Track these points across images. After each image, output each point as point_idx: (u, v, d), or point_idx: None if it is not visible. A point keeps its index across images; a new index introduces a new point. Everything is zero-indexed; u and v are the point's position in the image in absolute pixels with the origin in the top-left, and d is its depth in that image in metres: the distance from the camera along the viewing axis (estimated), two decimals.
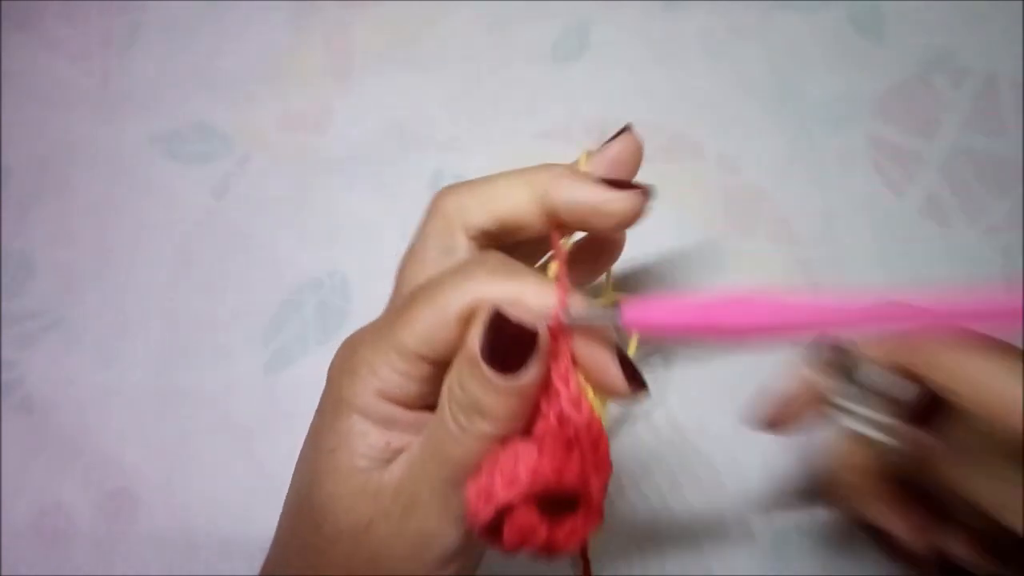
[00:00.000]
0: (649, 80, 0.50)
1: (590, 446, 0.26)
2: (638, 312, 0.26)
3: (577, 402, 0.26)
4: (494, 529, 0.25)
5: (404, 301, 0.28)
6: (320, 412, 0.30)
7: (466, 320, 0.26)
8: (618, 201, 0.30)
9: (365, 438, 0.28)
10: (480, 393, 0.25)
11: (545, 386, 0.26)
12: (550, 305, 0.26)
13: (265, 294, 0.48)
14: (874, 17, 0.49)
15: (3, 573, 0.44)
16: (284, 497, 0.32)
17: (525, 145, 0.49)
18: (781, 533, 0.41)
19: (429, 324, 0.27)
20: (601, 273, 0.37)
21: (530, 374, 0.25)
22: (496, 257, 0.28)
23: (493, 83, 0.51)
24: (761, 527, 0.41)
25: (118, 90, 0.54)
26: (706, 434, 0.43)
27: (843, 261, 0.45)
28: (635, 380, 0.27)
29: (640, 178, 0.48)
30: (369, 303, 0.47)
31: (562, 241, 0.30)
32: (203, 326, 0.48)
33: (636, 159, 0.33)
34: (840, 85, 0.48)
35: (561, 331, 0.26)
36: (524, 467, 0.25)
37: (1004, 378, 0.27)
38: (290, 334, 0.47)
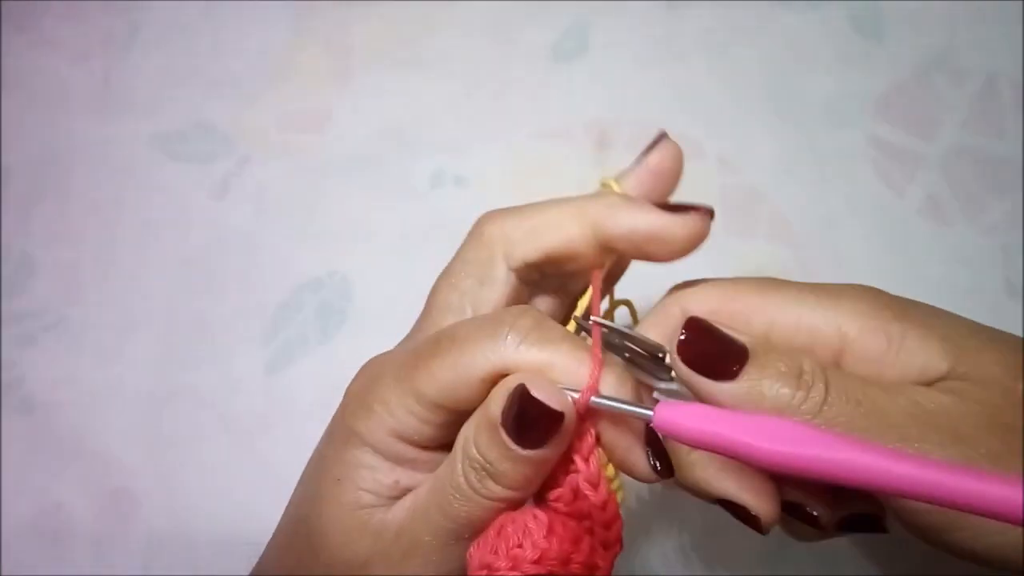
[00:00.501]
0: (649, 80, 0.50)
1: (602, 526, 0.26)
2: (671, 415, 0.24)
3: (595, 482, 0.26)
4: None
5: (429, 345, 0.27)
6: (330, 436, 0.29)
7: (490, 382, 0.26)
8: (681, 227, 0.28)
9: (373, 473, 0.27)
10: (495, 458, 0.25)
11: (565, 457, 0.26)
12: (580, 382, 0.25)
13: (265, 294, 0.48)
14: (874, 17, 0.49)
15: (3, 573, 0.44)
16: (287, 500, 0.32)
17: (525, 145, 0.49)
18: (781, 533, 0.41)
19: (451, 380, 0.26)
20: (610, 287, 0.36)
21: (550, 451, 0.25)
22: (530, 317, 0.26)
23: (493, 83, 0.51)
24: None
25: (118, 90, 0.54)
26: None
27: (843, 261, 0.45)
28: (663, 465, 0.26)
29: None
30: (369, 303, 0.47)
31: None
32: (203, 326, 0.48)
33: (678, 167, 0.31)
34: (840, 85, 0.48)
35: (588, 413, 0.25)
36: (530, 547, 0.24)
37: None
38: (290, 334, 0.47)
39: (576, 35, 0.52)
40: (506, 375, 0.25)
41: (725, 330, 0.26)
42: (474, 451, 0.25)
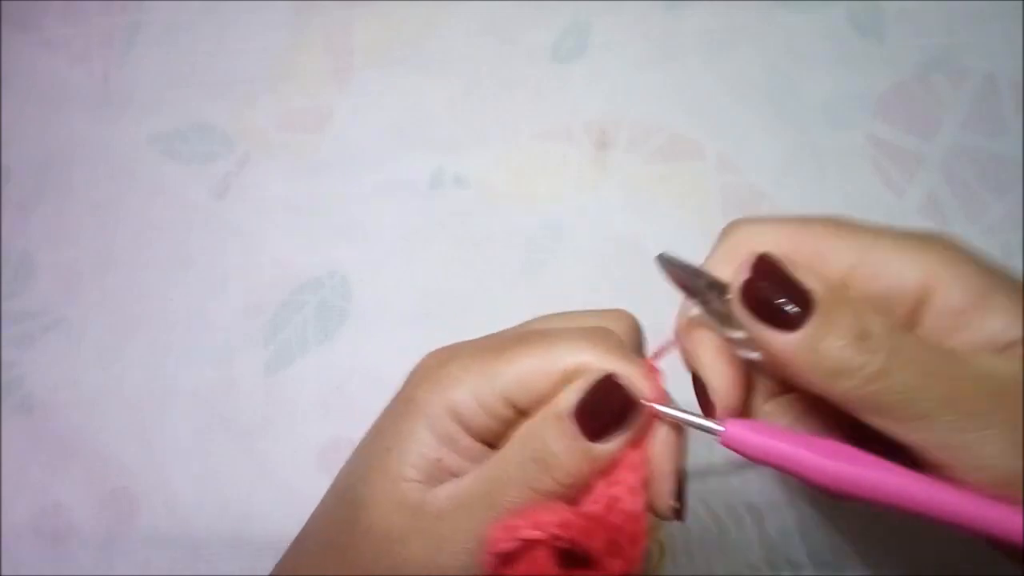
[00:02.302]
0: (649, 80, 0.50)
1: (628, 539, 0.26)
2: (740, 432, 0.25)
3: (636, 492, 0.26)
4: (507, 563, 0.25)
5: (516, 336, 0.28)
6: (388, 409, 0.30)
7: (568, 378, 0.26)
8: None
9: (420, 447, 0.28)
10: (557, 449, 0.26)
11: (610, 468, 0.26)
12: (653, 395, 0.26)
13: (265, 294, 0.48)
14: (874, 17, 0.49)
15: (3, 573, 0.44)
16: (287, 500, 0.32)
17: (525, 145, 0.49)
18: (781, 533, 0.41)
19: (532, 369, 0.27)
20: None
21: (614, 444, 0.26)
22: (616, 336, 0.28)
23: (493, 83, 0.51)
24: (761, 525, 0.41)
25: (118, 90, 0.54)
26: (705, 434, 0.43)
27: None
28: (679, 503, 0.27)
29: (640, 178, 0.48)
30: (369, 303, 0.47)
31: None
32: (203, 326, 0.48)
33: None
34: (840, 85, 0.48)
35: (652, 422, 0.26)
36: (555, 517, 0.25)
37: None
38: (290, 334, 0.47)
39: (576, 35, 0.52)
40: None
41: (795, 273, 0.24)
42: (535, 441, 0.26)
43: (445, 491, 0.28)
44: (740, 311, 0.24)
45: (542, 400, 0.27)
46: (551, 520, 0.25)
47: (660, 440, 0.27)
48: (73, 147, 0.53)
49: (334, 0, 0.54)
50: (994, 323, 0.25)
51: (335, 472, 0.32)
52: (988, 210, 0.45)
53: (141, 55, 0.55)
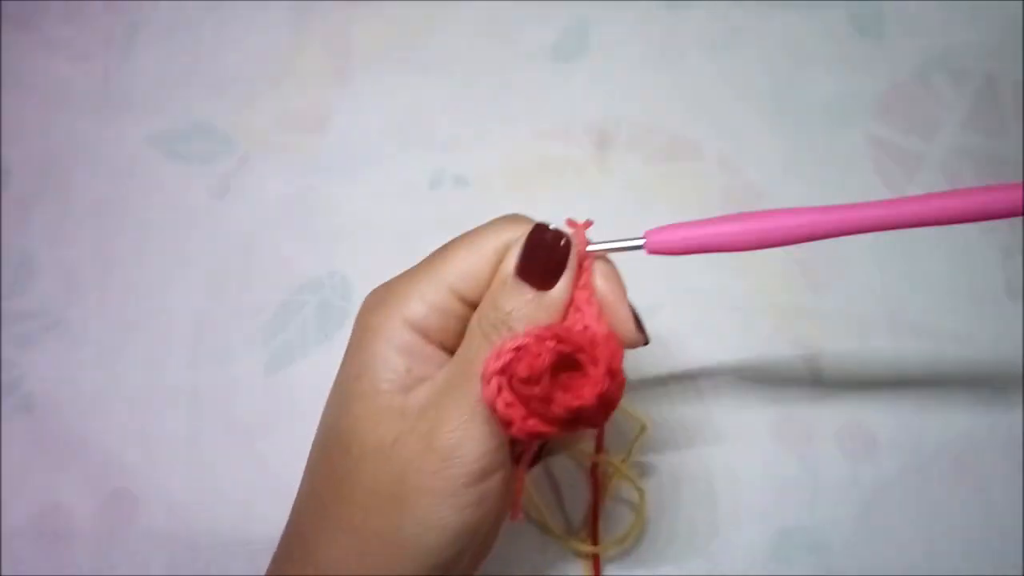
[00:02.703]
0: (649, 80, 0.50)
1: (607, 354, 0.28)
2: (659, 237, 0.30)
3: (598, 318, 0.29)
4: (506, 383, 0.27)
5: (441, 247, 0.31)
6: (348, 347, 0.31)
7: (500, 256, 0.30)
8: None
9: (387, 363, 0.29)
10: (511, 307, 0.28)
11: (566, 313, 0.29)
12: (577, 236, 0.29)
13: (265, 294, 0.48)
14: (874, 17, 0.49)
15: (3, 573, 0.44)
16: (287, 500, 0.32)
17: (525, 145, 0.49)
18: (781, 533, 0.41)
19: (466, 258, 0.30)
20: None
21: (561, 287, 0.29)
22: (527, 216, 0.31)
23: (493, 83, 0.51)
24: (761, 526, 0.41)
25: (118, 90, 0.54)
26: (706, 435, 0.43)
27: (843, 261, 0.45)
28: (640, 326, 0.30)
29: (640, 178, 0.48)
30: None
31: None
32: (203, 326, 0.48)
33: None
34: (840, 85, 0.48)
35: (585, 260, 0.29)
36: (536, 328, 0.28)
37: None
38: (290, 334, 0.47)
39: (576, 35, 0.52)
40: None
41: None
42: (491, 311, 0.28)
43: (422, 389, 0.29)
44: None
45: (485, 285, 0.30)
46: (532, 328, 0.28)
47: (600, 275, 0.30)
48: (73, 147, 0.53)
49: (334, 0, 0.54)
50: None
51: None
52: None
53: (141, 55, 0.55)
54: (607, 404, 0.28)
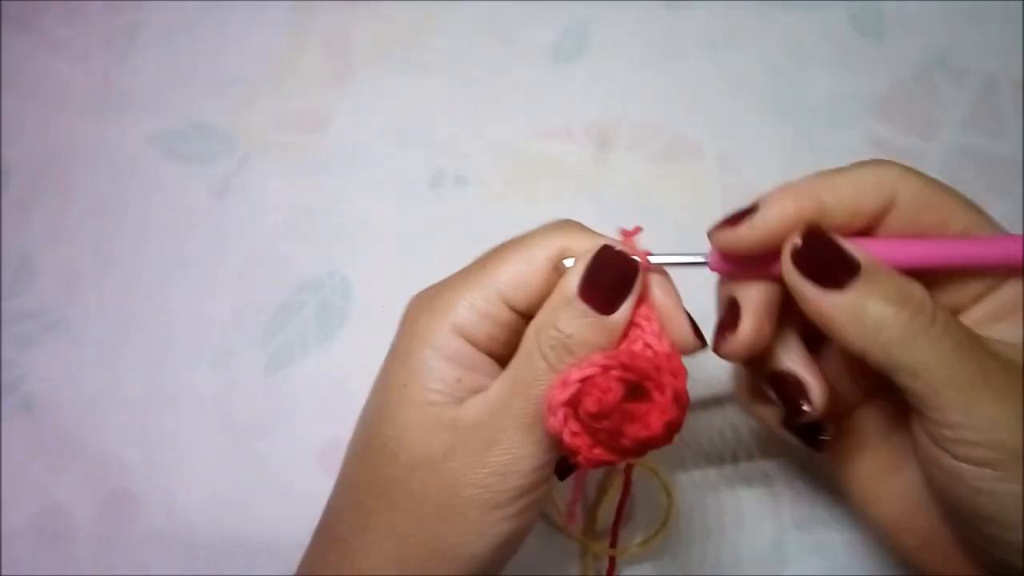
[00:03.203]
0: (649, 80, 0.50)
1: (671, 374, 0.27)
2: (723, 258, 0.29)
3: (659, 335, 0.28)
4: (572, 413, 0.27)
5: (490, 253, 0.30)
6: (392, 351, 0.31)
7: (554, 266, 0.29)
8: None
9: (436, 372, 0.29)
10: (572, 330, 0.27)
11: (626, 331, 0.28)
12: (641, 253, 0.29)
13: (265, 294, 0.48)
14: (874, 17, 0.49)
15: (3, 573, 0.44)
16: (287, 499, 0.32)
17: (525, 145, 0.49)
18: (783, 533, 0.41)
19: (517, 266, 0.29)
20: None
21: (624, 310, 0.28)
22: (576, 222, 0.31)
23: (493, 83, 0.51)
24: (761, 527, 0.41)
25: (118, 90, 0.54)
26: (706, 434, 0.43)
27: None
28: (698, 332, 0.29)
29: (640, 178, 0.48)
30: (369, 303, 0.47)
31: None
32: (203, 326, 0.48)
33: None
34: (840, 85, 0.48)
35: (646, 273, 0.29)
36: (600, 355, 0.27)
37: None
38: (290, 334, 0.47)
39: (576, 35, 0.52)
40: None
41: (843, 243, 0.27)
42: (551, 331, 0.28)
43: (474, 404, 0.29)
44: (791, 273, 0.27)
45: (536, 294, 0.29)
46: (598, 358, 0.27)
47: (657, 287, 0.29)
48: (73, 147, 0.53)
49: (334, 0, 0.54)
50: (953, 220, 0.29)
51: (335, 472, 0.32)
52: (988, 210, 0.45)
53: (141, 55, 0.55)
54: (674, 430, 0.27)
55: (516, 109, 0.50)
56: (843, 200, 0.28)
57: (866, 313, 0.26)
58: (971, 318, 0.29)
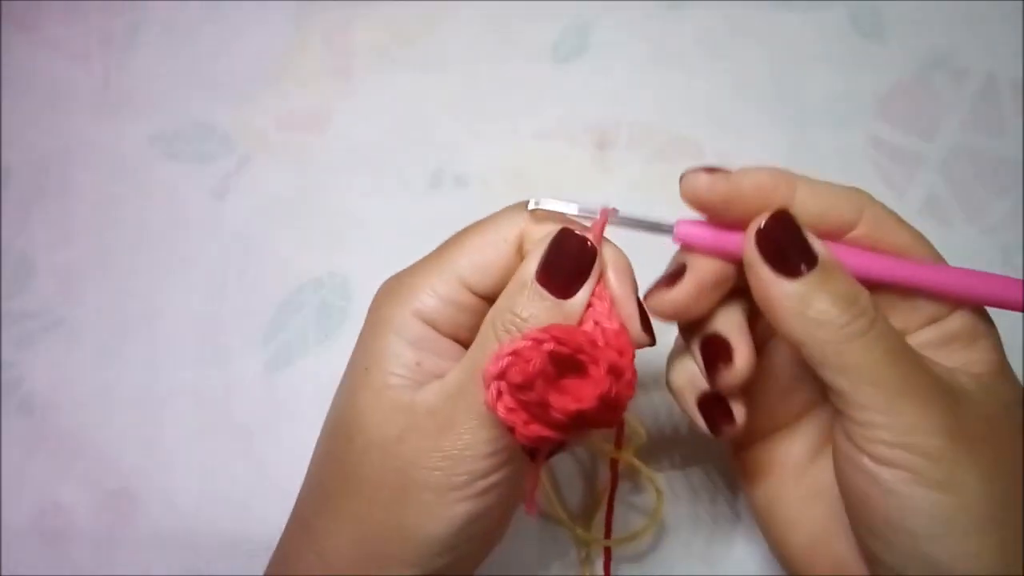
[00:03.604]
0: (649, 80, 0.50)
1: (616, 351, 0.27)
2: (689, 228, 0.29)
3: (609, 313, 0.28)
4: (506, 388, 0.27)
5: (453, 237, 0.31)
6: (359, 338, 0.31)
7: (517, 247, 0.29)
8: None
9: (398, 358, 0.29)
10: (530, 314, 0.28)
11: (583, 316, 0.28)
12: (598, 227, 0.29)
13: (265, 294, 0.48)
14: (874, 17, 0.49)
15: (3, 573, 0.44)
16: (287, 499, 0.32)
17: (525, 145, 0.49)
18: None
19: (478, 250, 0.30)
20: None
21: (582, 295, 0.28)
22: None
23: (493, 83, 0.51)
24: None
25: (118, 90, 0.54)
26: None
27: None
28: (648, 327, 0.29)
29: (640, 178, 0.48)
30: (369, 303, 0.47)
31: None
32: (203, 326, 0.48)
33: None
34: (840, 85, 0.48)
35: (602, 256, 0.29)
36: (537, 330, 0.27)
37: None
38: (290, 334, 0.47)
39: (576, 35, 0.52)
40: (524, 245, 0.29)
41: (807, 234, 0.28)
42: (508, 314, 0.28)
43: (431, 389, 0.29)
44: (751, 251, 0.28)
45: (498, 277, 0.29)
46: (531, 331, 0.27)
47: (611, 268, 0.29)
48: (73, 147, 0.53)
49: (334, 0, 0.54)
50: (909, 251, 0.29)
51: None
52: (988, 210, 0.45)
53: (141, 55, 0.55)
54: (612, 405, 0.27)
55: (516, 109, 0.50)
56: (816, 200, 0.29)
57: (811, 307, 0.27)
58: (916, 340, 0.29)
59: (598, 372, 0.27)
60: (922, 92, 0.48)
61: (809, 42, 0.50)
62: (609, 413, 0.28)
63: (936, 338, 0.29)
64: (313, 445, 0.33)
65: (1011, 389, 0.29)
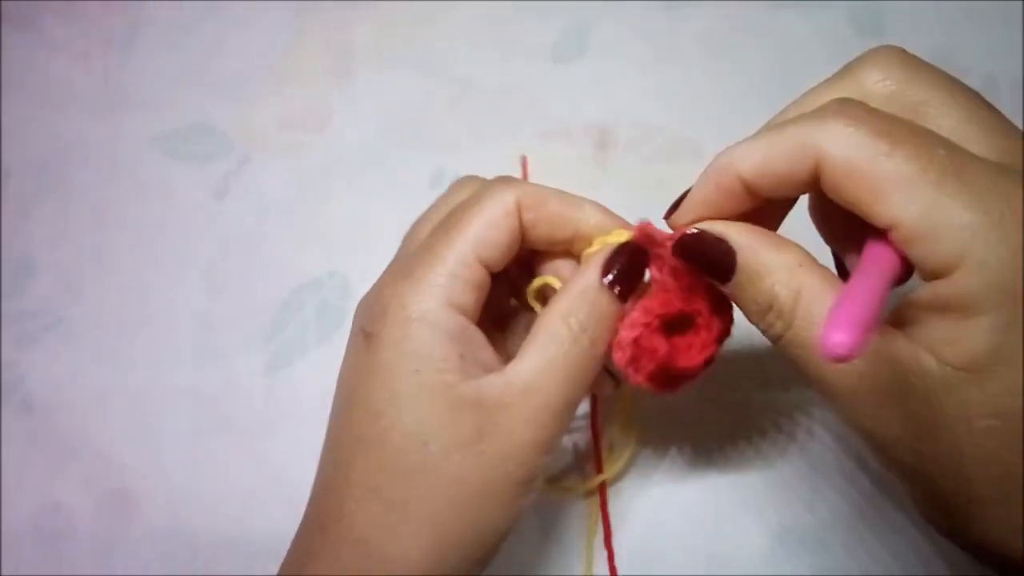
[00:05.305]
0: (649, 80, 0.50)
1: (719, 300, 0.31)
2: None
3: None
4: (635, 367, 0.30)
5: (445, 223, 0.31)
6: (383, 339, 0.30)
7: (516, 219, 0.30)
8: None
9: (443, 353, 0.29)
10: (603, 315, 0.30)
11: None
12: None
13: (265, 294, 0.48)
14: (874, 17, 0.49)
15: (3, 573, 0.44)
16: (286, 500, 0.32)
17: (525, 145, 0.49)
18: (782, 533, 0.41)
19: (485, 229, 0.30)
20: None
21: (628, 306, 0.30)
22: (514, 177, 0.32)
23: (493, 83, 0.51)
24: (761, 527, 0.41)
25: (118, 90, 0.54)
26: (707, 435, 0.43)
27: None
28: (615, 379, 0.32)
29: (640, 180, 0.48)
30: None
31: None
32: (203, 326, 0.48)
33: None
34: None
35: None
36: (654, 305, 0.30)
37: None
38: (290, 334, 0.47)
39: (576, 35, 0.52)
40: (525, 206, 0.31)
41: (720, 248, 0.29)
42: (581, 313, 0.30)
43: (494, 384, 0.29)
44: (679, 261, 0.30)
45: (506, 249, 0.31)
46: (652, 307, 0.30)
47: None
48: (73, 147, 0.53)
49: (334, 0, 0.54)
50: (887, 208, 0.24)
51: None
52: None
53: (141, 55, 0.55)
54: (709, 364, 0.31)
55: (516, 109, 0.50)
56: (763, 171, 0.28)
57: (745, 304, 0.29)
58: (912, 300, 0.25)
59: (709, 336, 0.31)
60: None
61: (809, 42, 0.50)
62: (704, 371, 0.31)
63: (929, 299, 0.24)
64: (313, 445, 0.33)
65: (988, 393, 0.23)
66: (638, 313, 0.30)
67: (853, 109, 0.26)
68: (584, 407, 0.40)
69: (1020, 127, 0.47)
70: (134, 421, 0.47)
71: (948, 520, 0.27)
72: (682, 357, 0.31)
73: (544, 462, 0.30)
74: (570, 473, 0.42)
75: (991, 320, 0.23)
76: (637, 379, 0.30)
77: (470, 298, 0.30)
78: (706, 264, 0.29)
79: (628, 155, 0.49)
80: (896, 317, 0.26)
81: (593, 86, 0.50)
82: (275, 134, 0.52)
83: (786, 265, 0.28)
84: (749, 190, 0.29)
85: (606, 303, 0.30)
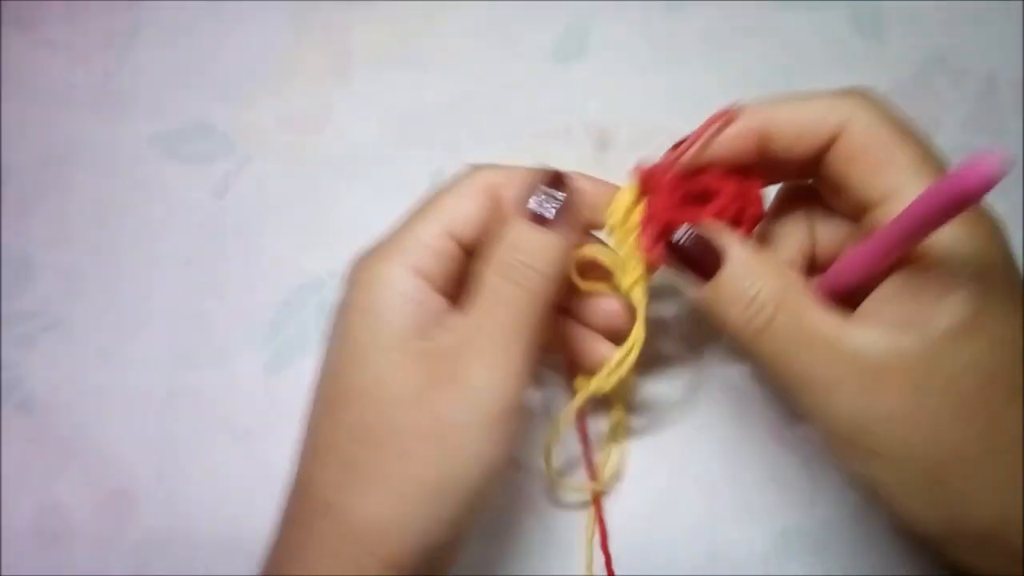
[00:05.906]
0: (650, 80, 0.50)
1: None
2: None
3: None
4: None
5: (422, 201, 0.33)
6: (349, 305, 0.32)
7: (489, 198, 0.32)
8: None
9: (403, 313, 0.31)
10: (529, 248, 0.30)
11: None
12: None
13: (265, 294, 0.48)
14: (874, 17, 0.49)
15: (3, 573, 0.44)
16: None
17: (525, 145, 0.49)
18: (781, 533, 0.41)
19: (457, 203, 0.32)
20: None
21: (563, 228, 0.31)
22: (490, 164, 0.34)
23: (493, 83, 0.51)
24: (761, 527, 0.41)
25: (118, 90, 0.54)
26: (706, 435, 0.43)
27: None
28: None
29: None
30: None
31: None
32: (203, 326, 0.48)
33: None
34: (840, 85, 0.48)
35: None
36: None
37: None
38: (290, 334, 0.47)
39: (576, 35, 0.52)
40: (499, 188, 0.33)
41: (710, 242, 0.31)
42: (508, 255, 0.31)
43: (446, 335, 0.30)
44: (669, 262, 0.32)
45: (478, 224, 0.32)
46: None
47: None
48: (73, 147, 0.53)
49: (334, 0, 0.54)
50: (892, 179, 0.29)
51: None
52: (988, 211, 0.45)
53: (141, 55, 0.55)
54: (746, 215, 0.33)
55: (516, 109, 0.50)
56: (789, 121, 0.31)
57: (718, 306, 0.31)
58: (891, 281, 0.29)
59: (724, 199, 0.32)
60: (922, 92, 0.48)
61: (809, 42, 0.50)
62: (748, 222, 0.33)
63: (905, 281, 0.29)
64: None
65: (967, 353, 0.27)
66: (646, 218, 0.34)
67: (879, 98, 0.31)
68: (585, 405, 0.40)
69: (1020, 127, 0.47)
70: (134, 421, 0.47)
71: (927, 496, 0.28)
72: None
73: (499, 409, 0.29)
74: (570, 474, 0.42)
75: (969, 290, 0.27)
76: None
77: (437, 267, 0.31)
78: (697, 247, 0.31)
79: (628, 155, 0.48)
80: (876, 297, 0.29)
81: (593, 86, 0.50)
82: (275, 134, 0.52)
83: (773, 260, 0.31)
84: (761, 141, 0.31)
85: (535, 236, 0.31)
